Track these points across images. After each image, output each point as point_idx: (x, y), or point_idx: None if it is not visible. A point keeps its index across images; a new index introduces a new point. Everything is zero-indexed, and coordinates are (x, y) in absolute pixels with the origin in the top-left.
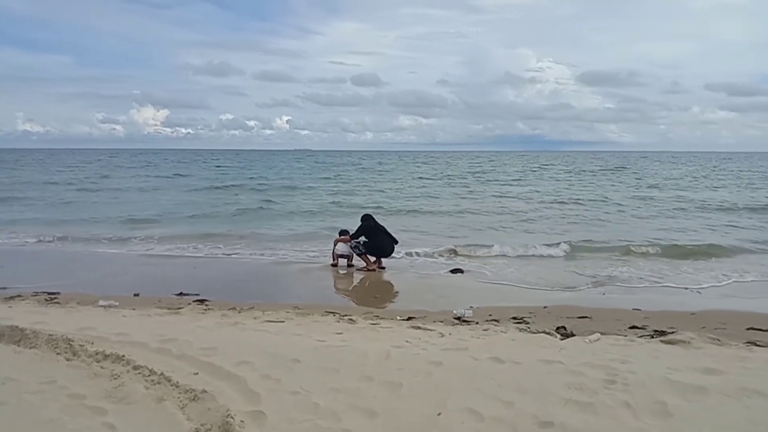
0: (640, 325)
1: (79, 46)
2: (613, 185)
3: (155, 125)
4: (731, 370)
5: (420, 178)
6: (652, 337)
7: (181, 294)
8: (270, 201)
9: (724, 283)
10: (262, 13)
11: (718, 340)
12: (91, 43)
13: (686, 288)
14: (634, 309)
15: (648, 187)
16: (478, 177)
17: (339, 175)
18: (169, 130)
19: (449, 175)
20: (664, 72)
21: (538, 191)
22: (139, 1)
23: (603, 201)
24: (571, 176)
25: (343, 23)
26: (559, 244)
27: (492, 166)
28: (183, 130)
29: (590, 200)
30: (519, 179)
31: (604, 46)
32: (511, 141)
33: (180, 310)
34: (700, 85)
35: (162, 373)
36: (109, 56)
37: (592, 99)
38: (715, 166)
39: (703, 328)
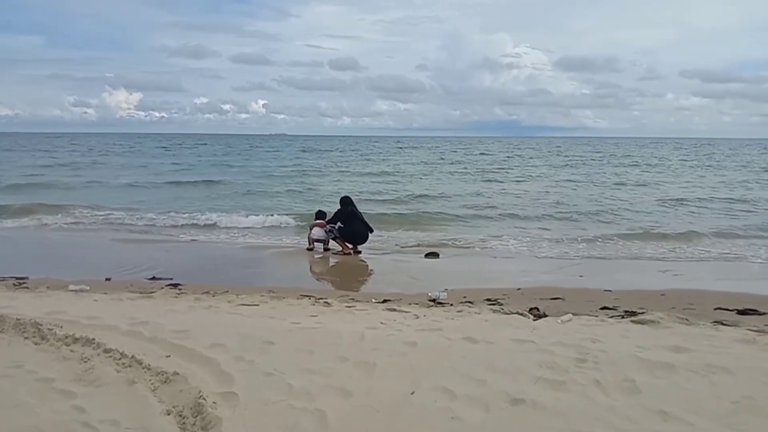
0: (611, 306)
1: (52, 27)
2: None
3: (128, 109)
4: (698, 348)
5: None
6: (623, 317)
7: (153, 278)
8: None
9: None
10: None
11: (687, 319)
12: (63, 23)
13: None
14: (605, 290)
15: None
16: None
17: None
18: (142, 113)
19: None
20: (640, 58)
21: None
22: None
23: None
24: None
25: (320, 6)
26: None
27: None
28: (157, 114)
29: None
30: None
31: (581, 32)
32: (489, 127)
33: (152, 294)
34: (675, 71)
35: (133, 356)
36: (82, 37)
37: (568, 85)
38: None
39: (673, 308)
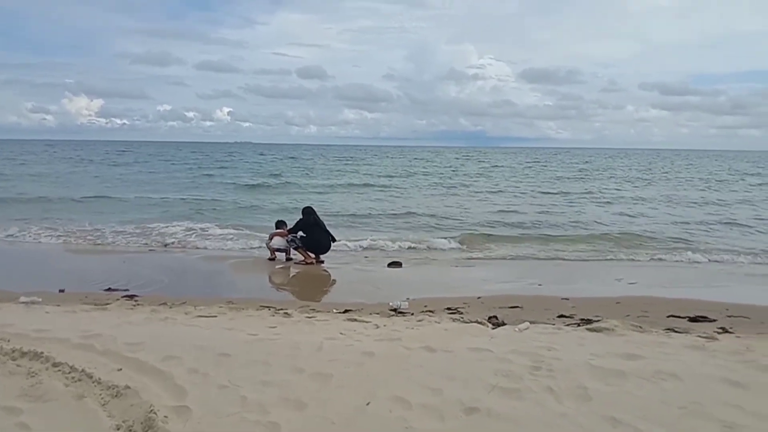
0: (568, 314)
1: (8, 31)
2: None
3: (89, 115)
4: (650, 355)
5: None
6: (579, 325)
7: (109, 289)
8: None
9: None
10: (205, 2)
11: (640, 327)
12: (22, 28)
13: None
14: (562, 298)
15: None
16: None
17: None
18: (103, 120)
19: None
20: (602, 71)
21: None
22: None
23: None
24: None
25: (287, 14)
26: None
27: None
28: (118, 121)
29: None
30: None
31: (545, 44)
32: (454, 137)
33: (107, 305)
34: (634, 84)
35: (83, 370)
36: (41, 43)
37: (532, 96)
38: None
39: (627, 316)
